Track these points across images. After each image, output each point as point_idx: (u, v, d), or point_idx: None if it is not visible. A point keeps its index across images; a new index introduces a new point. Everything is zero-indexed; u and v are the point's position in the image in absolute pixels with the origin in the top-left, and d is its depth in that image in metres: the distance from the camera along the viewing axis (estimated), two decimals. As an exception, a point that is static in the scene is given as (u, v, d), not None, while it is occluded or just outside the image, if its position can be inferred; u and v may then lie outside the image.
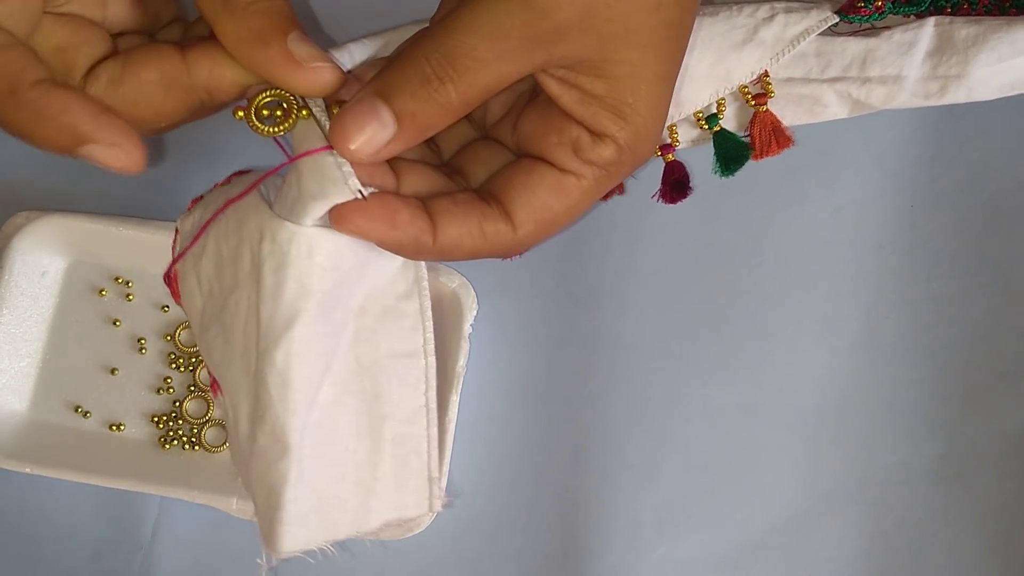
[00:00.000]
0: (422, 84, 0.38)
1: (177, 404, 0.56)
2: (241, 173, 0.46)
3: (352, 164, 0.39)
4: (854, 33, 0.50)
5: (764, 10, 0.49)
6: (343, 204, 0.39)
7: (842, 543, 0.55)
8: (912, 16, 0.51)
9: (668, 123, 0.50)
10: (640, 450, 0.55)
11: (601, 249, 0.56)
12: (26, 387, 0.55)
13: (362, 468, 0.45)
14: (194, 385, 0.56)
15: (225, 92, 0.40)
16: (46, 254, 0.55)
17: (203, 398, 0.56)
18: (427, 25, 0.41)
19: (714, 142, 0.51)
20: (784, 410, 0.55)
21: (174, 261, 0.46)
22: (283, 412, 0.42)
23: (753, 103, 0.50)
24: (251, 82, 0.40)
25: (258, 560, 0.45)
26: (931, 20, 0.50)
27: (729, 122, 0.51)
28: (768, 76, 0.50)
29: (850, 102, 0.50)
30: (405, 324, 0.45)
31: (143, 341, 0.56)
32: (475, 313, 0.53)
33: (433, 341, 0.46)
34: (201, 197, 0.46)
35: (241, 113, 0.40)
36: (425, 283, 0.46)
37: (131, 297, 0.57)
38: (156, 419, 0.56)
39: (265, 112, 0.40)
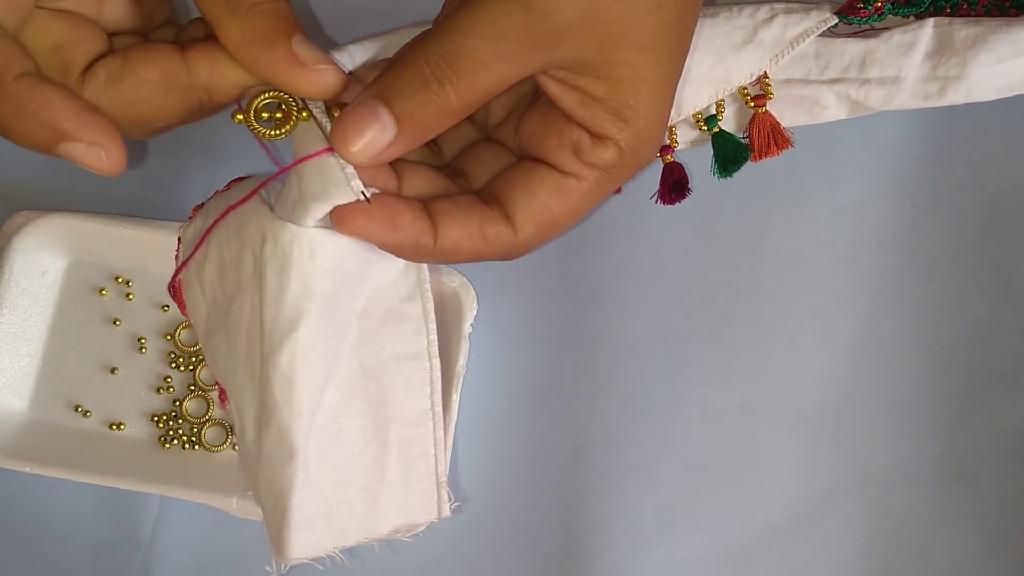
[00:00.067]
0: (422, 86, 0.38)
1: (177, 403, 0.56)
2: (241, 179, 0.46)
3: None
4: (853, 34, 0.50)
5: (764, 11, 0.49)
6: (344, 205, 0.39)
7: (842, 543, 0.55)
8: (911, 17, 0.51)
9: (668, 124, 0.50)
10: (640, 450, 0.55)
11: (601, 249, 0.56)
12: (26, 386, 0.55)
13: (369, 472, 0.45)
14: (194, 384, 0.56)
15: (225, 93, 0.40)
16: (46, 253, 0.55)
17: (203, 397, 0.56)
18: (428, 27, 0.41)
19: (713, 143, 0.51)
20: (784, 410, 0.55)
21: (177, 271, 0.46)
22: (288, 415, 0.41)
23: (752, 104, 0.50)
24: (252, 83, 0.40)
25: (268, 568, 0.45)
26: (930, 21, 0.50)
27: (728, 123, 0.51)
28: (767, 77, 0.50)
29: (849, 103, 0.50)
30: (408, 327, 0.45)
31: (143, 340, 0.56)
32: (475, 313, 0.53)
33: (437, 343, 0.46)
34: (202, 205, 0.46)
35: (240, 116, 0.40)
36: (427, 285, 0.46)
37: (131, 296, 0.57)
38: (156, 418, 0.56)
39: (265, 115, 0.40)
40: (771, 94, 0.50)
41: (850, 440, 0.55)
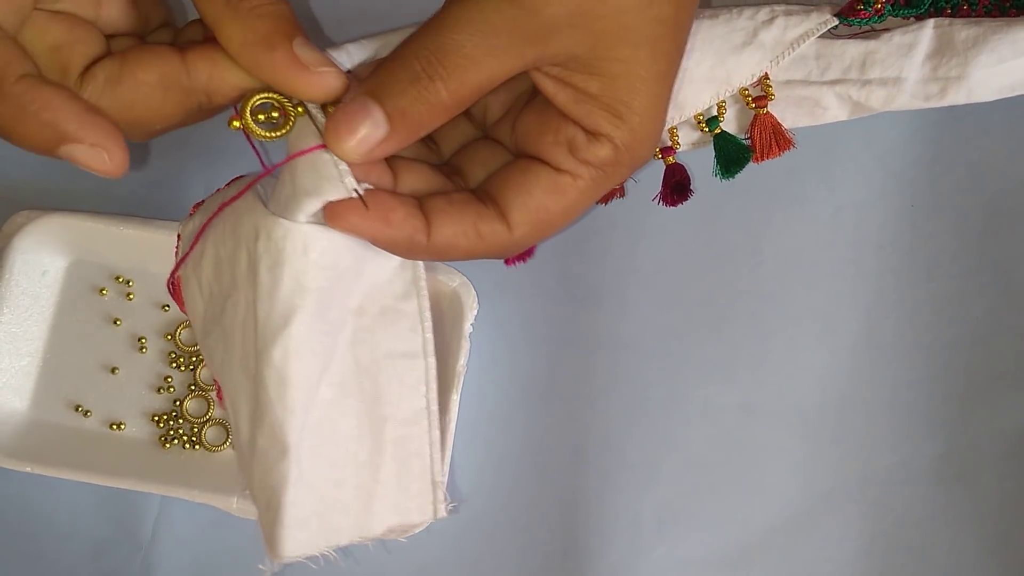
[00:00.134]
0: (412, 83, 0.38)
1: (177, 403, 0.56)
2: (241, 178, 0.46)
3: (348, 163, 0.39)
4: (854, 35, 0.50)
5: (764, 13, 0.49)
6: (337, 201, 0.39)
7: (842, 543, 0.55)
8: (912, 18, 0.51)
9: (669, 126, 0.50)
10: (640, 450, 0.55)
11: (602, 249, 0.56)
12: (27, 386, 0.56)
13: (363, 471, 0.45)
14: (195, 384, 0.56)
15: (225, 95, 0.40)
16: (47, 253, 0.55)
17: (204, 397, 0.57)
18: (425, 26, 0.41)
19: (715, 145, 0.51)
20: (784, 410, 0.55)
21: (176, 267, 0.46)
22: (281, 411, 0.41)
23: (753, 105, 0.50)
24: (252, 85, 0.40)
25: (260, 566, 0.45)
26: (931, 22, 0.50)
27: (730, 124, 0.51)
28: (768, 78, 0.49)
29: (850, 104, 0.50)
30: (404, 325, 0.45)
31: (144, 340, 0.56)
32: (476, 313, 0.53)
33: (433, 342, 0.46)
34: (202, 202, 0.46)
35: (238, 123, 0.40)
36: (423, 283, 0.46)
37: (132, 296, 0.57)
38: (156, 418, 0.56)
39: (261, 116, 0.40)
40: (772, 95, 0.50)
41: (850, 440, 0.55)
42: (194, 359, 0.56)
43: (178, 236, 0.47)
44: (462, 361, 0.53)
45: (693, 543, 0.55)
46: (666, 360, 0.56)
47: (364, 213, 0.39)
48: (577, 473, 0.56)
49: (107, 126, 0.38)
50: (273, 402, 0.41)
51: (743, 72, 0.49)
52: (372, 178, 0.40)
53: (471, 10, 0.37)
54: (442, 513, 0.47)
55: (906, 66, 0.50)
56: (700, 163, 0.52)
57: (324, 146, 0.39)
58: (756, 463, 0.55)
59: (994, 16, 0.51)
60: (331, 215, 0.39)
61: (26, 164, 0.57)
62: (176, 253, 0.47)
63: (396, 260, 0.44)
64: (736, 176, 0.51)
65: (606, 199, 0.52)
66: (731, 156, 0.50)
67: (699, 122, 0.50)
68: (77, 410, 0.56)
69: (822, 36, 0.49)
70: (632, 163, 0.41)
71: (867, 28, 0.50)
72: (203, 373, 0.56)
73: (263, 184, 0.43)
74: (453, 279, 0.53)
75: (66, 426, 0.56)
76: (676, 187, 0.51)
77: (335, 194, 0.39)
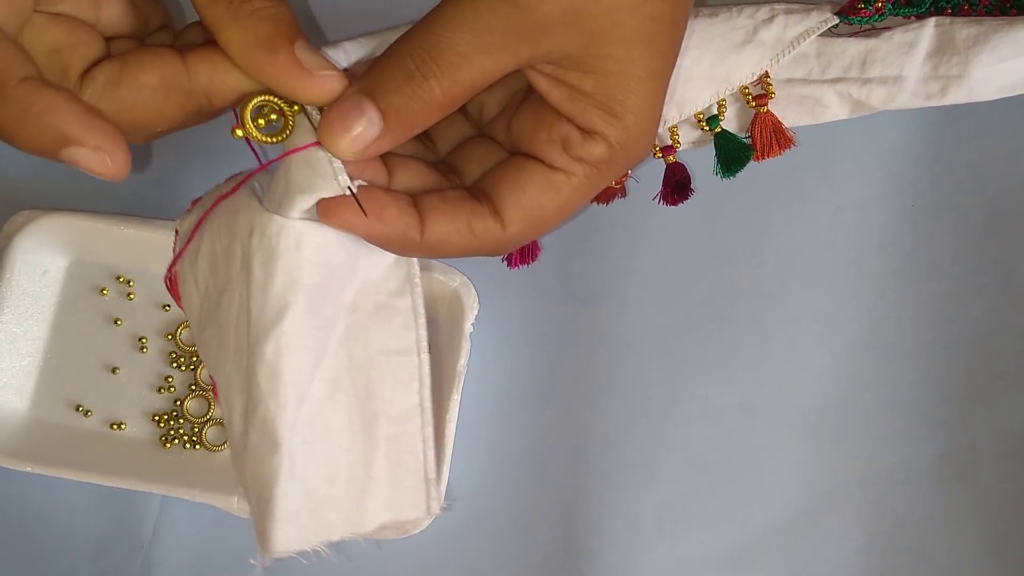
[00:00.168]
0: (406, 80, 0.38)
1: (178, 403, 0.56)
2: (238, 175, 0.46)
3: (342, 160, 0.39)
4: (854, 34, 0.50)
5: (763, 12, 0.49)
6: (331, 197, 0.39)
7: (842, 543, 0.55)
8: (912, 17, 0.51)
9: (669, 124, 0.50)
10: (640, 450, 0.55)
11: (602, 249, 0.56)
12: (27, 386, 0.56)
13: (355, 467, 0.45)
14: (195, 384, 0.56)
15: (225, 98, 0.40)
16: (47, 253, 0.55)
17: (204, 397, 0.57)
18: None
19: (715, 143, 0.51)
20: (784, 410, 0.55)
21: (172, 262, 0.46)
22: (273, 406, 0.41)
23: (754, 104, 0.50)
24: (252, 88, 0.40)
25: (251, 560, 0.45)
26: (931, 21, 0.50)
27: (730, 123, 0.51)
28: (768, 77, 0.49)
29: (851, 103, 0.50)
30: (397, 321, 0.45)
31: (144, 340, 0.57)
32: (476, 312, 0.53)
33: (426, 339, 0.46)
34: (200, 198, 0.46)
35: (240, 132, 0.40)
36: (417, 280, 0.45)
37: (132, 296, 0.57)
38: (157, 418, 0.56)
39: (261, 121, 0.40)
40: (772, 93, 0.50)
41: (850, 440, 0.55)
42: (195, 359, 0.57)
43: (175, 232, 0.47)
44: (463, 361, 0.53)
45: (693, 543, 0.55)
46: (666, 360, 0.56)
47: (357, 209, 0.39)
48: (577, 473, 0.56)
49: (109, 129, 0.38)
50: (265, 397, 0.41)
51: (743, 70, 0.49)
52: (366, 175, 0.40)
53: (465, 8, 0.37)
54: (436, 510, 0.46)
55: (907, 65, 0.50)
56: (700, 162, 0.52)
57: (319, 143, 0.39)
58: (756, 463, 0.55)
59: (995, 15, 0.51)
60: (324, 212, 0.39)
61: (26, 164, 0.57)
62: (174, 249, 0.47)
63: (390, 257, 0.44)
64: (737, 175, 0.51)
65: (607, 199, 0.52)
66: (732, 155, 0.50)
67: (699, 121, 0.50)
68: (78, 410, 0.56)
69: (822, 34, 0.49)
70: (627, 161, 0.41)
71: (868, 26, 0.50)
72: (203, 373, 0.56)
73: (259, 181, 0.43)
74: (454, 279, 0.54)
75: (67, 426, 0.56)
76: (677, 186, 0.51)
77: (329, 191, 0.39)
